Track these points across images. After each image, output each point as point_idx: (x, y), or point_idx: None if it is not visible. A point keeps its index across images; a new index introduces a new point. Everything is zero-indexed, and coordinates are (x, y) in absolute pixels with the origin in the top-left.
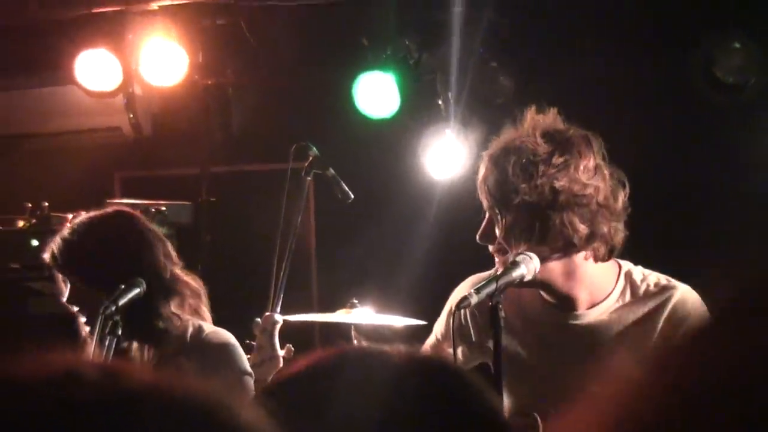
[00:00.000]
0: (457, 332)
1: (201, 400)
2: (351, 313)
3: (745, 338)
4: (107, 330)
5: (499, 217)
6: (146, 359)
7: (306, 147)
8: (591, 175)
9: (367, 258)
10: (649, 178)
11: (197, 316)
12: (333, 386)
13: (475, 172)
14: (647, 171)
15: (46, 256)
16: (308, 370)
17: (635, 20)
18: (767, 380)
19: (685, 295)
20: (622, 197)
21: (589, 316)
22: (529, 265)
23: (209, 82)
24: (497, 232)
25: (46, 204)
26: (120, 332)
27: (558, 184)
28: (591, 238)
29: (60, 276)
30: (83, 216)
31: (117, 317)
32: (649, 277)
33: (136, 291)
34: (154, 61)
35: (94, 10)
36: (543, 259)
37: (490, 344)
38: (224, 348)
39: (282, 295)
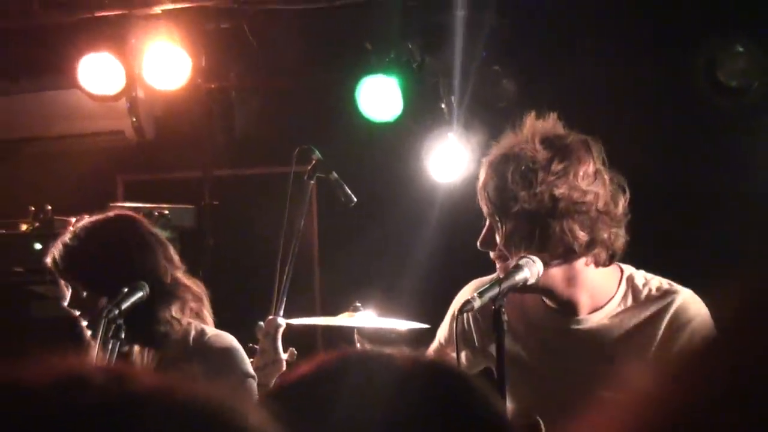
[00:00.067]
0: (461, 336)
1: (207, 403)
2: (354, 316)
3: (758, 347)
4: (110, 333)
5: (499, 224)
6: (148, 363)
7: (309, 150)
8: (591, 181)
9: (370, 261)
10: (651, 181)
11: (199, 320)
12: (336, 390)
13: (478, 175)
14: (650, 174)
15: (48, 260)
16: (311, 374)
17: (638, 23)
18: None
19: (687, 299)
20: (622, 202)
21: (590, 320)
22: (532, 269)
23: (212, 86)
24: (497, 239)
25: (49, 207)
26: (123, 336)
27: (557, 192)
28: (591, 244)
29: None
30: (84, 220)
31: (120, 321)
32: (651, 282)
33: (139, 294)
34: (157, 65)
35: (98, 14)
36: (544, 266)
37: (493, 349)
38: (227, 351)
39: (285, 299)
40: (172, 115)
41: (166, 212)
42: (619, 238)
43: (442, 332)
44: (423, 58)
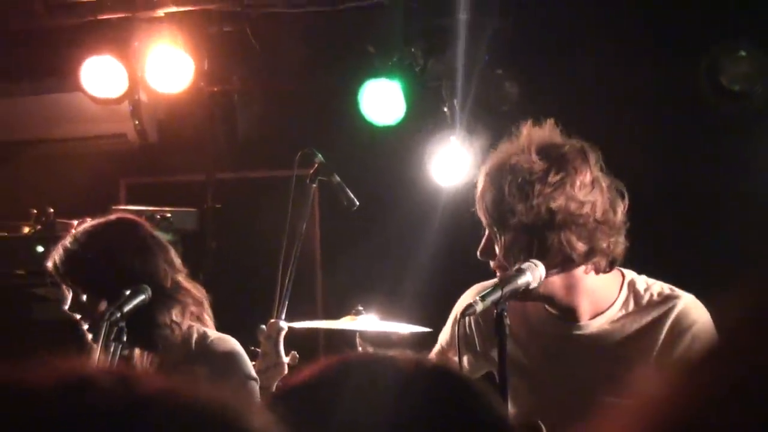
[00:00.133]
0: (462, 340)
1: (212, 405)
2: (356, 320)
3: (761, 349)
4: (112, 336)
5: (497, 235)
6: (148, 366)
7: (311, 154)
8: (588, 190)
9: (372, 265)
10: (654, 184)
11: (200, 324)
12: (339, 393)
13: (477, 182)
14: (652, 178)
15: (49, 264)
16: (314, 378)
17: (641, 27)
18: None
19: (688, 304)
20: (621, 208)
21: (591, 326)
22: (534, 273)
23: (215, 89)
24: (497, 249)
25: (52, 210)
26: (124, 339)
27: (554, 205)
28: (590, 254)
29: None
30: (85, 224)
31: (122, 324)
32: (652, 287)
33: (142, 297)
34: (159, 68)
35: (100, 17)
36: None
37: (495, 353)
38: (229, 354)
39: (287, 302)
40: (174, 118)
41: (169, 215)
42: (619, 245)
43: (444, 336)
44: (426, 61)
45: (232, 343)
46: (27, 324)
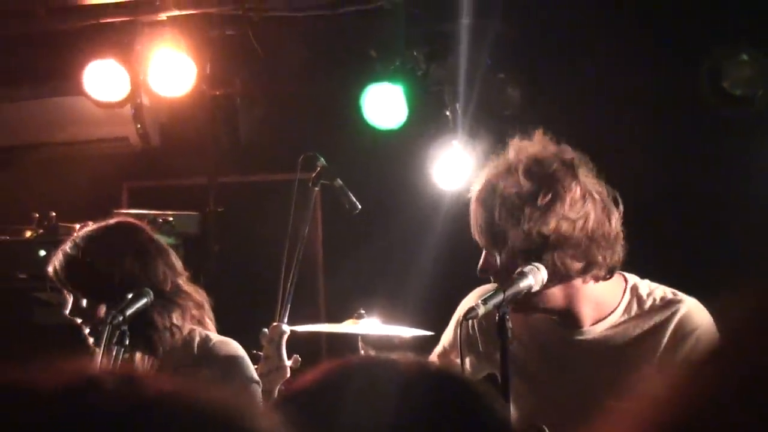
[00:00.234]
0: (465, 343)
1: (217, 406)
2: (358, 323)
3: (763, 352)
4: (114, 340)
5: (494, 255)
6: (149, 370)
7: (314, 157)
8: (580, 206)
9: (374, 268)
10: (656, 188)
11: (201, 327)
12: (341, 396)
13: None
14: (654, 181)
15: (49, 270)
16: (316, 381)
17: (643, 32)
18: None
19: (691, 308)
20: (615, 217)
21: (594, 331)
22: (536, 276)
23: (217, 93)
24: (497, 264)
25: (54, 214)
26: (127, 342)
27: (546, 229)
28: (587, 269)
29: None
30: (86, 229)
31: (124, 327)
32: (655, 291)
33: (144, 301)
34: (162, 72)
35: (103, 21)
36: (542, 288)
37: (498, 355)
38: (232, 358)
39: (289, 306)
40: (176, 122)
41: (171, 219)
42: (616, 254)
43: (447, 337)
44: (428, 65)
45: (235, 347)
46: (29, 327)
